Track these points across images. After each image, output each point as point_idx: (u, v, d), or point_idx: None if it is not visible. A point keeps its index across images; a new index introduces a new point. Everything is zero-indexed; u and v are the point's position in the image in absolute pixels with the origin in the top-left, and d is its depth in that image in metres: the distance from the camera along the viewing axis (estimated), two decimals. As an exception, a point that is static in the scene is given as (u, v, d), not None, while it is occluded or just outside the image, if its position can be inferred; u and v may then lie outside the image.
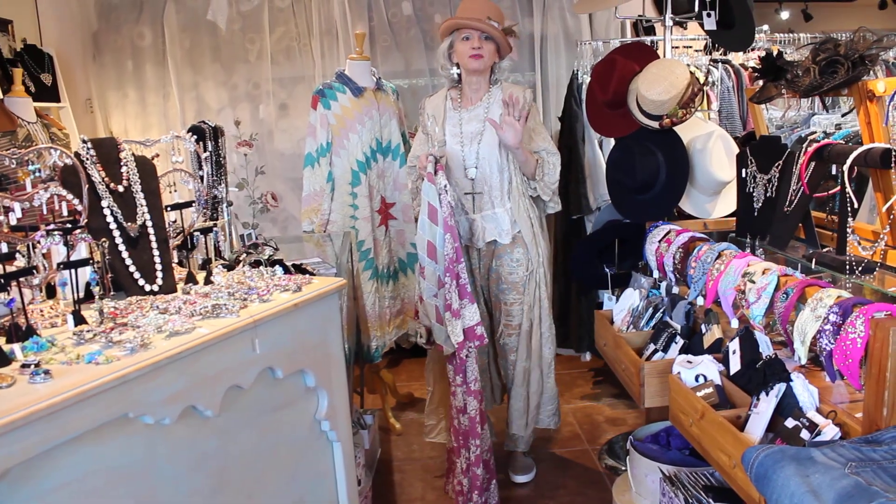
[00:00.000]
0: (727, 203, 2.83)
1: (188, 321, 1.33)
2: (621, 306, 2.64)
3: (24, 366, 1.11)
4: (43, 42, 4.17)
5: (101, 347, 1.21)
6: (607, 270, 3.05)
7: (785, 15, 7.58)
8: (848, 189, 1.96)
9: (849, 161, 1.94)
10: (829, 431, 1.54)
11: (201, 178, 2.14)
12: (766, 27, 4.38)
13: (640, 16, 4.02)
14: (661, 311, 2.43)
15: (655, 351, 2.29)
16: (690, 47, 4.26)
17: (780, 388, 1.68)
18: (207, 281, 1.64)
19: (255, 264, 2.03)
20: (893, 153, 1.88)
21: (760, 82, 2.44)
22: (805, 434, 1.56)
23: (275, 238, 4.32)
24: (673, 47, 4.18)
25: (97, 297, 1.43)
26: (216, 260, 2.04)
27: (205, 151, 1.97)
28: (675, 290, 2.47)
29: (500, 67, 2.90)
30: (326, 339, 1.62)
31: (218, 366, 1.32)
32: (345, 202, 3.43)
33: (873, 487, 1.22)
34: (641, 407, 2.24)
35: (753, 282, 1.86)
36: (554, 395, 3.07)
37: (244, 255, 2.08)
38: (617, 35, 4.34)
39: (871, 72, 2.08)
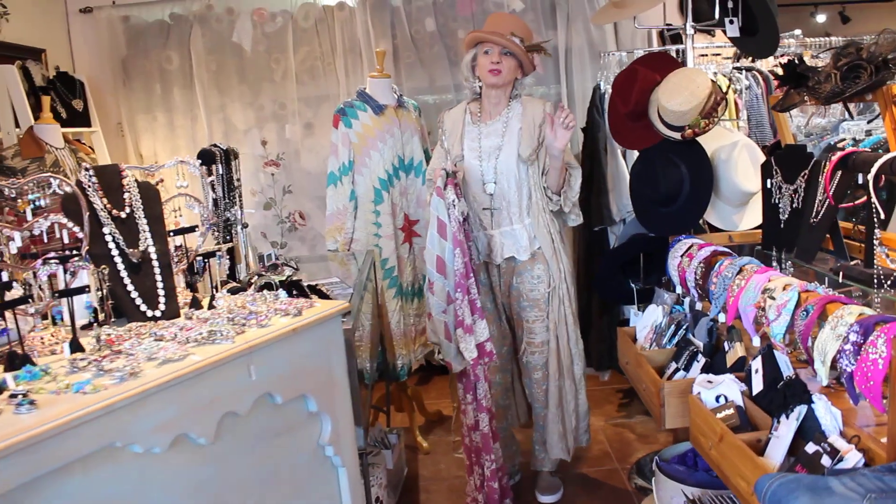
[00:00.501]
0: (754, 214, 2.75)
1: (182, 348, 1.32)
2: (644, 323, 2.57)
3: (12, 395, 1.12)
4: (76, 69, 4.29)
5: (91, 376, 1.21)
6: (632, 285, 2.98)
7: (821, 18, 7.39)
8: (874, 199, 1.87)
9: (874, 170, 1.86)
10: (852, 458, 1.46)
11: (215, 201, 2.16)
12: (798, 31, 4.26)
13: (666, 25, 3.96)
14: (684, 328, 2.36)
15: (677, 370, 2.21)
16: (719, 55, 4.17)
17: (800, 410, 1.61)
18: (210, 306, 1.64)
19: (266, 286, 2.03)
20: (921, 161, 1.80)
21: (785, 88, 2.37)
22: (826, 460, 1.48)
23: (302, 257, 4.36)
24: (701, 55, 4.11)
25: (95, 324, 1.44)
26: (224, 283, 2.05)
27: (210, 175, 1.98)
28: (699, 306, 2.40)
29: (522, 83, 2.86)
30: (329, 363, 1.60)
31: (212, 393, 1.31)
32: (368, 220, 3.43)
33: (892, 520, 1.14)
34: (661, 428, 2.17)
35: (774, 298, 1.79)
36: (586, 411, 3.00)
37: (256, 277, 2.08)
38: (643, 45, 4.27)
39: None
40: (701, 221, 2.97)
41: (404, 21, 4.32)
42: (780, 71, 2.26)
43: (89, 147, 3.78)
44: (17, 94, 3.48)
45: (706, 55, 4.14)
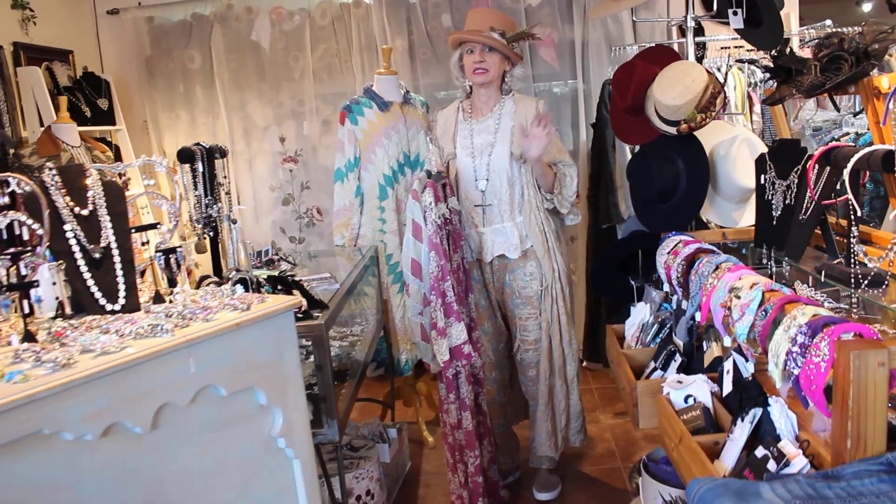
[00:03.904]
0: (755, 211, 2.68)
1: (121, 341, 1.37)
2: (632, 321, 2.54)
3: (-53, 384, 1.18)
4: (104, 69, 4.44)
5: (30, 366, 1.27)
6: (632, 282, 2.94)
7: (867, 7, 7.10)
8: (850, 195, 1.81)
9: (850, 165, 1.80)
10: (798, 463, 1.42)
11: (197, 198, 2.22)
12: (828, 21, 4.11)
13: (668, 18, 3.88)
14: (667, 326, 2.32)
15: (655, 369, 2.18)
16: (741, 47, 4.06)
17: (754, 413, 1.57)
18: (166, 301, 1.69)
19: (241, 282, 2.07)
20: (896, 156, 1.73)
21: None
22: (772, 465, 1.44)
23: (320, 252, 4.42)
24: (723, 48, 4.01)
25: (47, 317, 1.51)
26: (205, 278, 2.11)
27: (184, 174, 2.04)
28: (684, 304, 2.35)
29: (512, 76, 2.85)
30: (280, 357, 1.63)
31: (147, 384, 1.35)
32: (374, 216, 3.46)
33: (807, 528, 1.11)
34: (636, 428, 2.14)
35: (739, 297, 1.74)
36: (579, 412, 2.98)
37: (234, 272, 2.12)
38: (662, 38, 4.19)
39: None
40: (704, 220, 2.92)
41: (420, 17, 4.34)
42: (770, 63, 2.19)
43: (111, 145, 3.90)
44: (41, 95, 3.63)
45: (728, 47, 4.03)
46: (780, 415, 1.55)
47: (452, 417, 2.55)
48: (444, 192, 2.56)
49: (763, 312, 1.62)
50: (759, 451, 1.49)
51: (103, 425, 1.29)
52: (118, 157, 3.99)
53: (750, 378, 1.67)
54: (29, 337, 1.43)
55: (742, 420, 1.58)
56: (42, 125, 3.63)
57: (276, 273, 2.63)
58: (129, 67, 4.46)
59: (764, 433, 1.57)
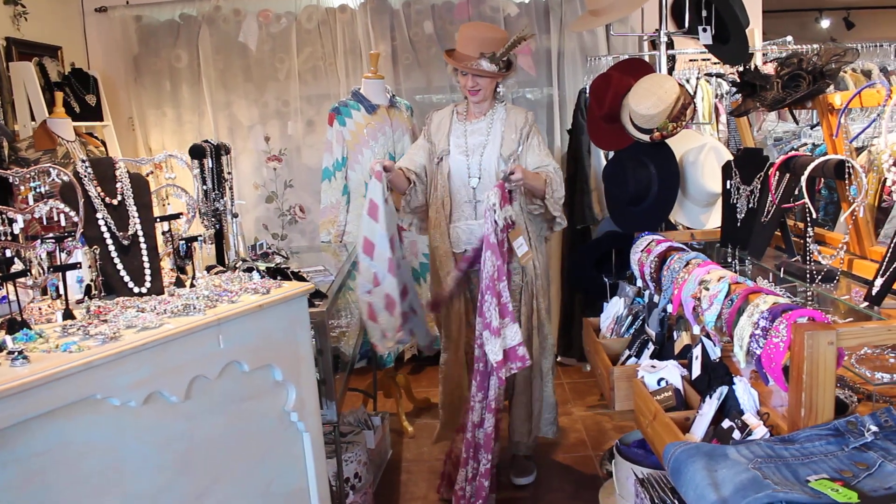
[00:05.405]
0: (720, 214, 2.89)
1: (158, 318, 1.51)
2: (607, 314, 2.74)
3: (9, 353, 1.30)
4: (90, 66, 4.51)
5: (79, 339, 1.40)
6: (606, 280, 3.13)
7: (825, 23, 7.47)
8: (806, 200, 2.02)
9: (806, 172, 2.01)
10: (759, 432, 1.61)
11: (205, 192, 2.35)
12: (789, 38, 4.38)
13: (640, 34, 4.11)
14: (641, 318, 2.51)
15: (629, 356, 2.37)
16: (709, 60, 4.30)
17: (721, 391, 1.76)
18: (192, 285, 1.82)
19: (248, 271, 2.21)
20: (847, 164, 1.94)
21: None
22: (737, 434, 1.64)
23: (301, 248, 4.55)
24: (691, 60, 4.24)
25: (86, 297, 1.64)
26: (212, 267, 2.24)
27: (197, 169, 2.17)
28: (656, 298, 2.55)
29: (504, 82, 3.03)
30: (295, 338, 1.78)
31: (182, 357, 1.49)
32: (360, 214, 3.61)
33: (766, 481, 1.30)
34: (612, 410, 2.33)
35: (707, 289, 1.94)
36: (552, 405, 3.15)
37: (240, 262, 2.26)
38: (635, 50, 4.42)
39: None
40: (673, 221, 3.13)
41: (403, 24, 4.50)
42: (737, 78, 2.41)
43: (99, 140, 3.99)
44: (32, 90, 3.70)
45: (696, 60, 4.27)
46: (744, 392, 1.75)
47: (476, 416, 2.68)
48: (510, 196, 2.67)
49: (729, 302, 1.81)
50: (726, 423, 1.68)
51: (145, 393, 1.43)
52: (105, 152, 4.06)
53: (717, 360, 1.87)
54: (68, 315, 1.56)
55: (710, 397, 1.78)
56: (33, 119, 3.70)
57: (273, 265, 2.77)
58: (116, 65, 4.54)
59: (729, 408, 1.77)
